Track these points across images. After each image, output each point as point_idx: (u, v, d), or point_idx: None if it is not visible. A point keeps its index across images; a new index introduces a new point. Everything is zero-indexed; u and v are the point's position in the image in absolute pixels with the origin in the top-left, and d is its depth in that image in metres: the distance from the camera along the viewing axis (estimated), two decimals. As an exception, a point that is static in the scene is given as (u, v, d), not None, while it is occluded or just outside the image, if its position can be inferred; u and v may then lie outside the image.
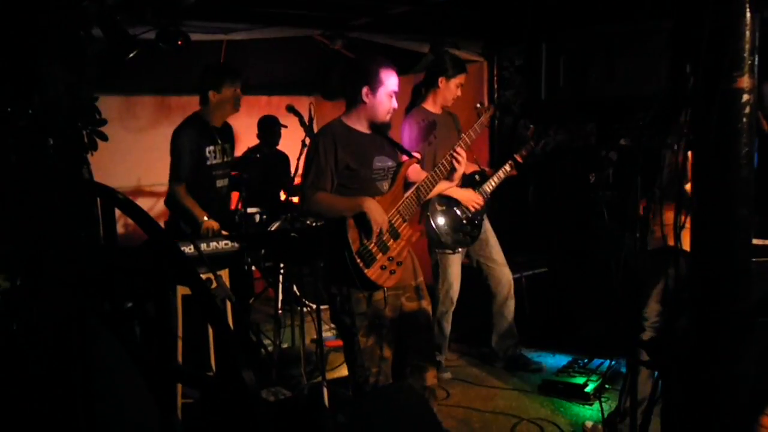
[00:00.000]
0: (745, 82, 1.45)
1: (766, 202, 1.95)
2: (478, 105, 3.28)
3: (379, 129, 2.79)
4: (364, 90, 2.67)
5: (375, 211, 2.63)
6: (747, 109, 1.46)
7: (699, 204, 1.52)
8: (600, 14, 1.84)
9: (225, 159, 3.69)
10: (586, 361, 3.87)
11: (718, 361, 1.45)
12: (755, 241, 1.74)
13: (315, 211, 2.72)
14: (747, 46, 1.45)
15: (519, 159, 3.72)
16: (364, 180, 2.71)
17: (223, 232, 3.48)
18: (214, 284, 2.83)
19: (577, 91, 1.88)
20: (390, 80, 2.69)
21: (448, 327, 3.84)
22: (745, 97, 1.45)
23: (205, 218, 3.45)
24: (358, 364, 2.71)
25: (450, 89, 3.64)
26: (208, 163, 3.58)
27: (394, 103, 2.74)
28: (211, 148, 3.59)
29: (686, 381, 1.50)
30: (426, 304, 2.86)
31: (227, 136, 3.75)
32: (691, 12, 1.49)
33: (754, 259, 1.63)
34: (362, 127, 2.76)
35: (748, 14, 1.43)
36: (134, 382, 2.22)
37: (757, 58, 1.46)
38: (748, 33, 1.44)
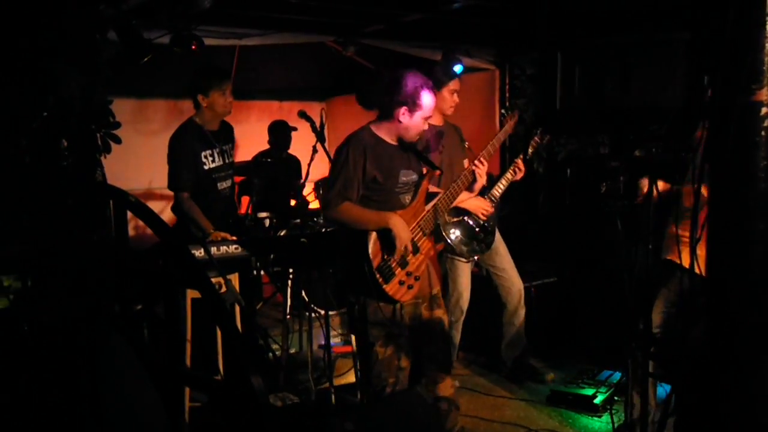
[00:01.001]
0: (764, 94, 1.43)
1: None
2: (503, 111, 3.24)
3: (406, 144, 2.77)
4: (402, 110, 2.64)
5: (401, 228, 2.62)
6: (765, 123, 1.44)
7: (716, 217, 1.50)
8: (616, 24, 1.84)
9: (225, 161, 3.65)
10: (595, 372, 3.84)
11: (733, 376, 1.43)
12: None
13: (339, 220, 2.68)
14: (766, 59, 1.43)
15: (521, 168, 3.65)
16: (389, 193, 2.70)
17: (228, 236, 3.47)
18: (224, 288, 2.84)
19: (593, 101, 1.87)
20: (428, 104, 2.67)
21: (457, 336, 3.82)
22: (764, 110, 1.44)
23: (211, 231, 3.43)
24: (375, 374, 2.69)
25: (443, 98, 3.59)
26: (206, 167, 3.54)
27: (426, 126, 2.72)
28: (208, 152, 3.55)
29: (700, 395, 1.48)
30: (441, 314, 2.85)
31: (226, 137, 3.69)
32: (709, 23, 1.48)
33: None
34: (391, 139, 2.74)
35: (768, 26, 1.42)
36: (142, 384, 2.22)
37: (775, 71, 1.44)
38: (767, 45, 1.43)
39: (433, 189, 2.99)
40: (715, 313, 1.49)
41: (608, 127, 2.14)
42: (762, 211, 1.45)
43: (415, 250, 2.71)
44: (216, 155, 3.60)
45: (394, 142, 2.74)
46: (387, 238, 2.61)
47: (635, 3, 1.79)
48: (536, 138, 3.65)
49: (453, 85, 3.59)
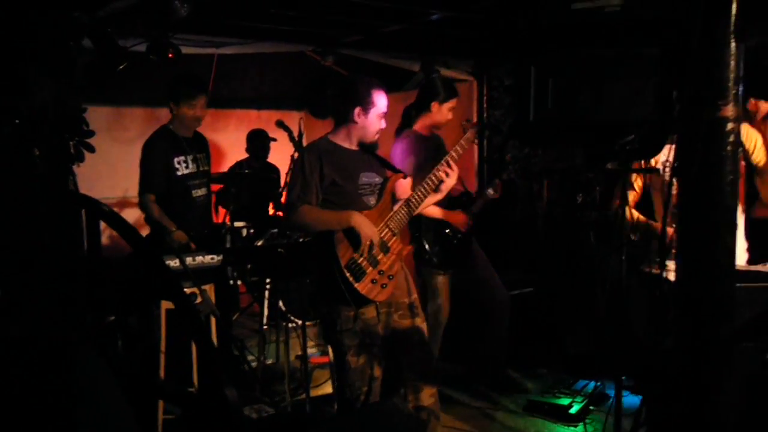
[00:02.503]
0: (730, 110, 1.47)
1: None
2: (465, 122, 3.29)
3: (367, 147, 2.80)
4: (357, 110, 2.68)
5: (363, 224, 2.63)
6: (731, 138, 1.48)
7: (684, 230, 1.53)
8: (589, 38, 1.87)
9: (199, 169, 3.65)
10: (571, 381, 3.86)
11: (701, 386, 1.45)
12: (739, 267, 1.76)
13: (301, 223, 2.70)
14: (732, 76, 1.47)
15: (495, 193, 3.70)
16: (350, 195, 2.71)
17: (192, 244, 3.44)
18: (199, 299, 2.81)
19: (566, 114, 1.90)
20: (381, 102, 2.71)
21: (436, 348, 3.81)
22: (730, 125, 1.47)
23: (173, 229, 3.42)
24: (348, 384, 2.68)
25: (442, 113, 3.63)
26: (179, 173, 3.54)
27: (383, 124, 2.76)
28: (181, 158, 3.56)
29: (670, 406, 1.50)
30: (420, 322, 2.84)
31: (200, 146, 3.71)
32: (677, 41, 1.51)
33: (738, 285, 1.65)
34: (350, 145, 2.76)
35: (733, 44, 1.46)
36: (115, 396, 2.19)
37: (741, 88, 1.48)
38: (732, 63, 1.47)
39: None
40: (684, 325, 1.51)
41: (581, 139, 2.17)
42: (729, 224, 1.48)
43: (385, 249, 2.70)
44: (189, 162, 3.59)
45: (353, 148, 2.77)
46: (352, 236, 2.62)
47: (608, 17, 1.83)
48: (510, 168, 3.73)
49: (453, 102, 3.64)
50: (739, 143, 1.52)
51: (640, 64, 1.74)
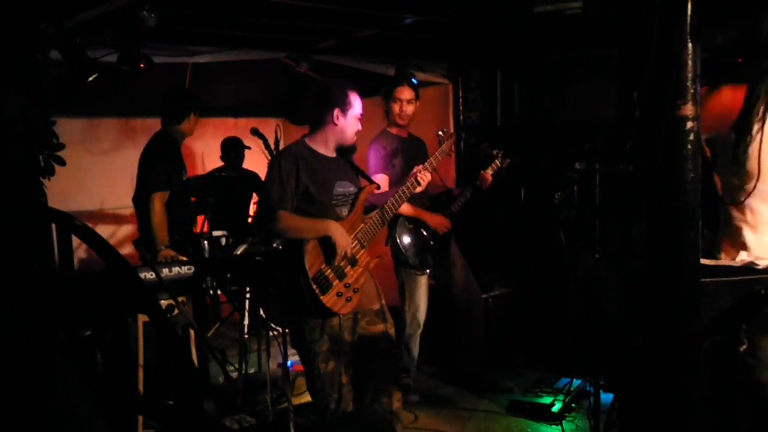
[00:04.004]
0: (689, 109, 1.49)
1: (714, 224, 2.00)
2: (440, 132, 3.31)
3: (343, 153, 2.80)
4: (335, 112, 2.69)
5: (340, 235, 2.63)
6: (691, 136, 1.50)
7: (648, 228, 1.55)
8: (552, 41, 1.89)
9: (187, 176, 3.83)
10: (553, 380, 3.89)
11: (667, 383, 1.47)
12: (705, 261, 1.78)
13: (276, 229, 2.67)
14: (690, 75, 1.49)
15: (485, 182, 3.72)
16: (323, 205, 2.70)
17: (181, 257, 3.44)
18: (176, 311, 2.78)
19: (532, 116, 1.92)
20: (357, 103, 2.74)
21: (415, 349, 3.82)
22: (689, 124, 1.49)
23: (163, 247, 3.41)
24: (317, 390, 2.69)
25: (391, 107, 3.65)
26: (184, 178, 3.71)
27: (359, 126, 2.78)
28: (183, 165, 3.74)
29: (638, 403, 1.51)
30: (388, 327, 2.85)
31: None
32: (635, 43, 1.53)
33: (704, 280, 1.67)
34: (326, 151, 2.76)
35: (690, 45, 1.48)
36: (91, 412, 2.16)
37: (699, 87, 1.50)
38: (690, 62, 1.49)
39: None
40: (650, 322, 1.53)
41: (548, 140, 2.19)
42: (691, 222, 1.50)
43: (353, 262, 2.70)
44: (185, 170, 3.73)
45: (330, 154, 2.77)
46: (326, 245, 2.61)
47: (569, 20, 1.85)
48: (497, 162, 3.74)
49: (399, 92, 3.63)
50: (699, 141, 1.54)
51: (603, 66, 1.77)
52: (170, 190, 3.54)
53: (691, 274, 1.50)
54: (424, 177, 2.90)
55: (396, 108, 3.64)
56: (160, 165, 3.55)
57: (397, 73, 4.49)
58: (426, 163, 3.06)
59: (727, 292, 1.98)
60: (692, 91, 1.50)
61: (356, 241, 2.73)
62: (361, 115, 2.77)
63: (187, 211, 3.75)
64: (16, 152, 2.64)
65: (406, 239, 3.65)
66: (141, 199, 3.62)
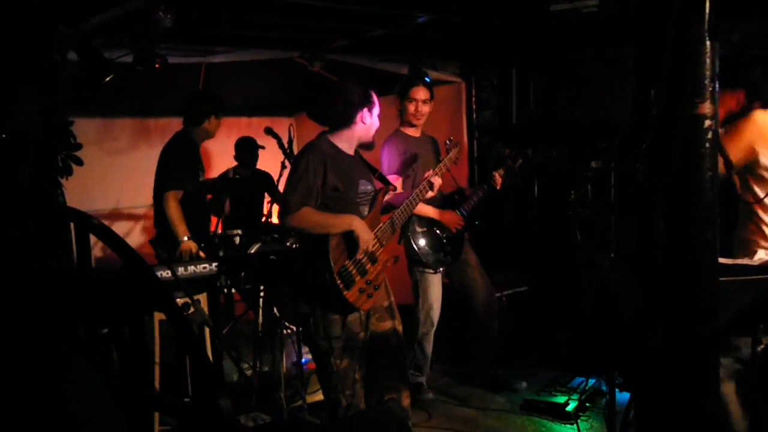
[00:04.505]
0: (707, 108, 1.48)
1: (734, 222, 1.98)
2: (447, 141, 3.31)
3: (365, 147, 2.86)
4: (364, 111, 2.74)
5: (363, 229, 2.66)
6: (709, 135, 1.49)
7: (665, 228, 1.54)
8: (568, 40, 1.88)
9: (204, 177, 3.89)
10: (567, 379, 3.87)
11: (685, 382, 1.46)
12: (722, 261, 1.77)
13: (299, 226, 2.69)
14: (707, 74, 1.48)
15: (496, 183, 3.73)
16: (349, 203, 2.72)
17: (201, 254, 3.48)
18: (192, 309, 2.80)
19: (548, 115, 1.91)
20: (377, 101, 2.81)
21: (429, 347, 3.83)
22: (707, 122, 1.48)
23: (185, 238, 3.45)
24: (331, 387, 2.70)
25: (406, 107, 3.65)
26: (200, 179, 3.74)
27: (379, 123, 2.84)
28: (200, 165, 3.78)
29: (656, 403, 1.51)
30: (397, 324, 2.87)
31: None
32: (653, 40, 1.52)
33: (722, 279, 1.66)
34: (348, 149, 2.80)
35: (708, 42, 1.47)
36: (108, 409, 2.18)
37: (717, 85, 1.49)
38: (708, 60, 1.48)
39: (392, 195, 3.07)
40: (667, 321, 1.52)
41: (564, 139, 2.18)
42: (709, 221, 1.49)
43: (374, 259, 2.74)
44: (202, 171, 3.78)
45: (350, 152, 2.81)
46: (350, 240, 2.64)
47: (586, 19, 1.84)
48: (509, 162, 3.74)
49: (414, 93, 3.63)
50: (717, 140, 1.53)
51: (619, 64, 1.76)
52: (184, 189, 3.57)
53: (708, 274, 1.49)
54: (435, 181, 2.94)
55: (411, 108, 3.64)
56: (175, 164, 3.61)
57: (411, 72, 4.49)
58: (435, 169, 3.10)
59: (745, 291, 1.96)
60: (710, 89, 1.49)
61: (375, 240, 2.75)
62: (380, 112, 2.82)
63: (203, 212, 3.80)
64: (34, 153, 2.67)
65: (420, 238, 3.65)
66: (157, 197, 3.67)
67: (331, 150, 2.73)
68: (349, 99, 2.74)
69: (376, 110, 2.78)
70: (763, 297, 1.84)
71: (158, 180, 3.74)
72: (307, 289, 2.73)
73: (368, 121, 2.76)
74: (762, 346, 1.85)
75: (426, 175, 3.08)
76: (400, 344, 2.88)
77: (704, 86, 1.48)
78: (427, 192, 2.96)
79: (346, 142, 2.77)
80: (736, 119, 2.34)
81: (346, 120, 2.75)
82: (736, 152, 2.23)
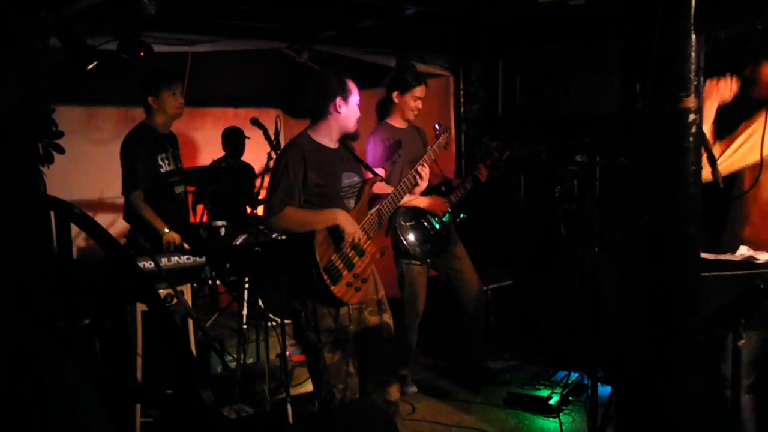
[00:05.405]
0: (692, 102, 1.48)
1: (715, 217, 1.99)
2: (436, 126, 3.30)
3: (345, 143, 2.81)
4: (337, 101, 2.70)
5: (347, 221, 2.65)
6: (693, 129, 1.49)
7: (649, 222, 1.54)
8: (555, 33, 1.87)
9: (177, 165, 3.65)
10: (551, 373, 3.89)
11: (667, 377, 1.47)
12: (704, 256, 1.78)
13: (283, 226, 2.70)
14: (693, 68, 1.48)
15: (482, 175, 3.75)
16: (333, 197, 2.71)
17: (185, 245, 3.42)
18: (175, 300, 2.78)
19: (534, 108, 1.91)
20: (354, 89, 2.76)
21: (414, 339, 3.83)
22: (692, 116, 1.49)
23: (166, 230, 3.39)
24: (324, 381, 2.69)
25: (406, 103, 3.65)
26: (162, 170, 3.54)
27: (359, 112, 2.79)
28: (163, 155, 3.55)
29: (637, 396, 1.51)
30: (387, 318, 2.87)
31: (175, 143, 3.72)
32: (639, 35, 1.52)
33: (704, 274, 1.67)
34: (329, 142, 2.77)
35: (693, 36, 1.47)
36: (90, 401, 2.16)
37: (702, 79, 1.49)
38: (693, 54, 1.48)
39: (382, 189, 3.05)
40: (650, 316, 1.53)
41: (549, 132, 2.18)
42: (692, 215, 1.50)
43: (361, 252, 2.72)
44: (170, 159, 3.60)
45: (333, 145, 2.78)
46: (335, 234, 2.63)
47: (573, 11, 1.83)
48: (495, 154, 3.75)
49: (417, 91, 3.63)
50: (701, 134, 1.53)
51: (606, 58, 1.75)
52: (142, 187, 3.44)
53: (691, 268, 1.50)
54: (423, 171, 2.91)
55: (412, 104, 3.65)
56: (125, 166, 3.46)
57: (400, 65, 4.47)
58: (425, 156, 3.06)
59: (727, 287, 1.98)
60: (695, 83, 1.49)
61: (363, 232, 2.74)
62: (359, 101, 2.78)
63: (174, 201, 3.63)
64: (15, 140, 2.63)
65: (407, 230, 3.65)
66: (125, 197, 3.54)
67: (310, 146, 2.71)
68: (320, 90, 2.73)
69: (353, 99, 2.73)
70: (744, 292, 1.85)
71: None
72: (297, 284, 2.72)
73: (344, 111, 2.71)
74: (742, 341, 1.87)
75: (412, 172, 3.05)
76: (390, 338, 2.88)
77: (689, 80, 1.48)
78: (415, 183, 2.92)
79: (326, 135, 2.75)
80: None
81: (320, 111, 2.73)
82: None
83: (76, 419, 2.12)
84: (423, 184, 2.91)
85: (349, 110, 2.73)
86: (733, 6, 1.98)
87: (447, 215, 3.76)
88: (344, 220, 2.64)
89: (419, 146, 3.73)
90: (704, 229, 1.56)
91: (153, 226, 3.39)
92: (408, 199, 3.45)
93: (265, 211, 2.76)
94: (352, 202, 2.78)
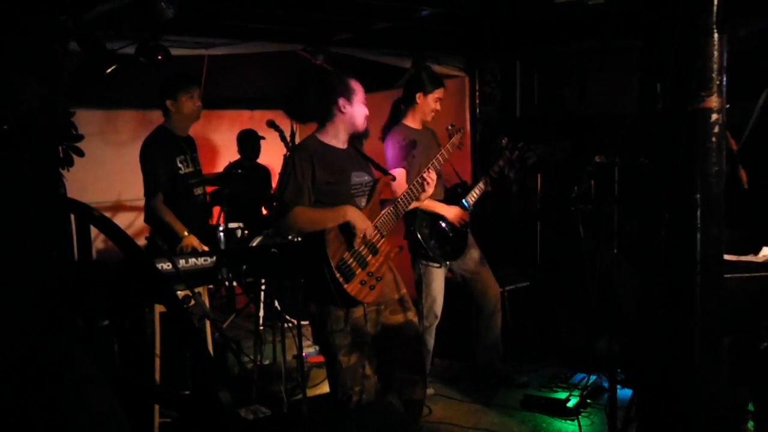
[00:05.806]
0: (714, 101, 1.46)
1: (739, 218, 1.96)
2: (449, 126, 3.29)
3: (354, 143, 2.81)
4: (341, 101, 2.70)
5: (357, 217, 2.64)
6: (716, 129, 1.47)
7: (670, 222, 1.52)
8: (573, 33, 1.85)
9: (196, 168, 3.70)
10: (568, 375, 3.86)
11: (687, 379, 1.45)
12: (727, 257, 1.75)
13: (294, 226, 2.69)
14: (715, 66, 1.46)
15: (494, 173, 3.76)
16: (343, 196, 2.71)
17: (204, 247, 3.45)
18: (193, 302, 2.79)
19: (552, 108, 1.89)
20: (359, 87, 2.75)
21: (431, 342, 3.82)
22: (714, 116, 1.46)
23: (186, 233, 3.42)
24: (340, 384, 2.68)
25: (428, 104, 3.66)
26: (181, 172, 3.58)
27: (366, 110, 2.78)
28: (182, 157, 3.60)
29: (658, 399, 1.49)
30: (412, 316, 2.85)
31: (193, 145, 3.76)
32: (659, 33, 1.50)
33: (727, 276, 1.64)
34: (338, 143, 2.77)
35: (716, 35, 1.44)
36: (108, 401, 2.18)
37: (724, 78, 1.47)
38: (715, 53, 1.45)
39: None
40: (671, 317, 1.51)
41: (567, 133, 2.15)
42: (714, 216, 1.47)
43: (374, 250, 2.71)
44: (188, 161, 3.65)
45: (342, 146, 2.78)
46: (347, 232, 2.62)
47: (591, 11, 1.81)
48: (506, 153, 3.74)
49: (438, 92, 3.64)
50: (724, 134, 1.50)
51: (624, 57, 1.73)
52: (162, 190, 3.48)
53: (713, 270, 1.47)
54: (430, 177, 2.91)
55: (433, 105, 3.66)
56: (145, 170, 3.51)
57: (416, 66, 4.47)
58: (438, 156, 3.05)
59: (749, 288, 1.95)
60: (717, 82, 1.46)
61: (375, 230, 2.73)
62: (365, 100, 2.77)
63: (196, 204, 3.66)
64: (35, 143, 2.66)
65: (425, 232, 3.64)
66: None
67: (318, 147, 2.72)
68: (323, 92, 2.72)
69: (358, 98, 2.72)
70: (766, 294, 1.82)
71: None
72: (311, 286, 2.72)
73: (349, 110, 2.71)
74: (765, 343, 1.84)
75: (425, 170, 3.04)
76: (415, 336, 2.86)
77: (711, 79, 1.45)
78: (422, 189, 2.92)
79: (333, 136, 2.75)
80: None
81: (325, 114, 2.73)
82: None
83: (94, 418, 2.14)
84: (430, 190, 2.91)
85: (355, 110, 2.72)
86: (755, 2, 1.95)
87: None
88: (354, 216, 2.63)
89: (434, 147, 3.73)
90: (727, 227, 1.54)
91: (173, 229, 3.42)
92: (428, 206, 3.45)
93: (275, 213, 2.77)
94: (363, 201, 2.77)
